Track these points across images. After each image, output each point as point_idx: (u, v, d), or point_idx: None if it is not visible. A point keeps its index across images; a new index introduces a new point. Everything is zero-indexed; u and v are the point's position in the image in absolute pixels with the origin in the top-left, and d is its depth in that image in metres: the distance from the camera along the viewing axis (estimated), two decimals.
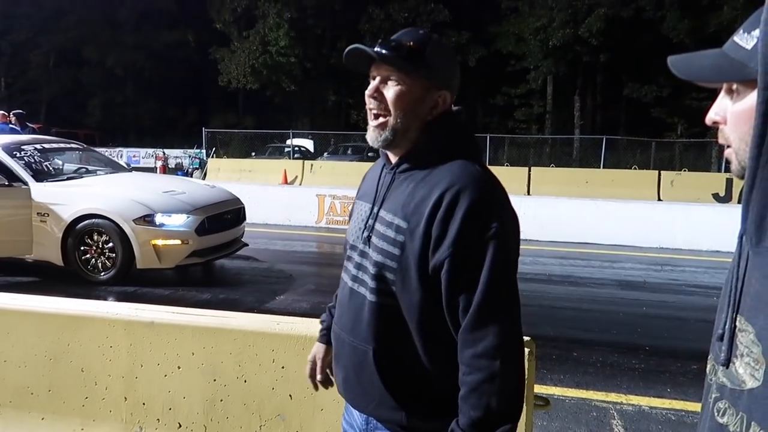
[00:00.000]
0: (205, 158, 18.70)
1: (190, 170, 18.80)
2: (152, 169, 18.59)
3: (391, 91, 1.29)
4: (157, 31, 31.11)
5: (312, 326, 2.25)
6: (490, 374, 1.17)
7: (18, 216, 5.76)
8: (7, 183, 5.80)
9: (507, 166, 17.67)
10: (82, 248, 5.71)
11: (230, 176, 14.89)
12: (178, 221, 5.70)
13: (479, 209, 1.20)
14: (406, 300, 1.26)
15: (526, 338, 2.04)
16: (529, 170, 15.23)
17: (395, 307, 1.27)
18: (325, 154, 21.93)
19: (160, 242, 5.60)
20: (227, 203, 6.47)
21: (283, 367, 2.21)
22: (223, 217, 6.24)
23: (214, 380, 2.28)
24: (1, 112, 10.94)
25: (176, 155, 21.84)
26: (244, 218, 6.73)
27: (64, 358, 2.43)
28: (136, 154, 23.84)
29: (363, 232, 1.35)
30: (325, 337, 1.65)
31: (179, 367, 2.31)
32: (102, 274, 5.73)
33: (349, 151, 21.27)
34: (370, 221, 1.33)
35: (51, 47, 30.62)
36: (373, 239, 1.30)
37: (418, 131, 1.30)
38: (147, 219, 5.60)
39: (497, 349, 1.18)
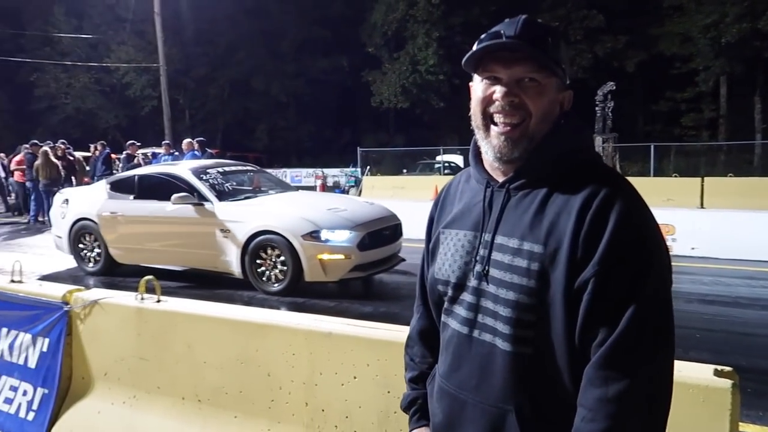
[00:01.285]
0: (360, 176, 19.56)
1: (346, 188, 19.76)
2: (312, 188, 19.85)
3: (531, 91, 1.09)
4: (314, 59, 33.29)
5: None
6: (618, 426, 0.92)
7: (206, 232, 6.46)
8: (198, 202, 6.54)
9: (675, 176, 16.23)
10: (257, 261, 6.23)
11: (384, 193, 15.38)
12: (342, 237, 5.99)
13: (634, 218, 0.99)
14: (552, 344, 1.02)
15: (725, 368, 1.84)
16: (702, 181, 13.84)
17: (538, 355, 1.04)
18: None
19: (325, 257, 5.93)
20: (386, 219, 6.68)
21: None
22: (383, 233, 6.45)
23: (388, 392, 2.34)
24: (188, 140, 12.42)
25: (333, 174, 23.12)
26: (401, 234, 6.91)
27: (253, 363, 2.65)
28: (298, 174, 25.65)
29: (474, 266, 1.12)
30: (424, 418, 1.33)
31: (355, 377, 2.41)
32: (275, 285, 6.18)
33: None
34: (482, 251, 1.11)
35: (225, 80, 34.12)
36: (495, 273, 1.08)
37: (543, 137, 1.10)
38: (314, 235, 5.96)
39: (640, 397, 0.93)
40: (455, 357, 1.16)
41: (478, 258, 1.12)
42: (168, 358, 2.90)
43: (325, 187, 20.74)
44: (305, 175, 25.30)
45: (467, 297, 1.13)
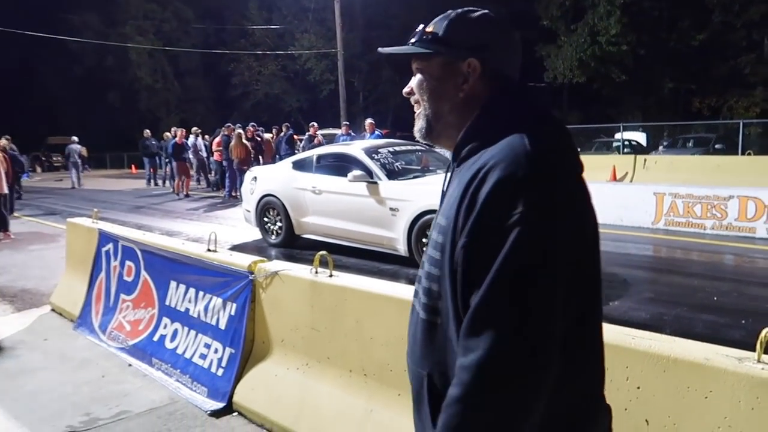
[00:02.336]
0: None
1: None
2: None
3: (415, 80, 1.22)
4: None
5: (675, 346, 1.96)
6: (463, 394, 0.93)
7: (376, 209, 6.65)
8: (370, 180, 6.76)
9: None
10: (423, 240, 6.27)
11: None
12: None
13: (504, 188, 0.94)
14: (448, 313, 1.03)
15: None
16: None
17: (443, 324, 1.06)
18: (661, 147, 19.85)
19: None
20: None
21: (638, 388, 1.97)
22: None
23: None
24: (370, 121, 12.93)
25: None
26: None
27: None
28: None
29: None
30: None
31: None
32: None
33: (689, 144, 18.83)
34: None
35: None
36: (428, 247, 1.14)
37: (454, 114, 1.16)
38: None
39: (480, 368, 0.91)
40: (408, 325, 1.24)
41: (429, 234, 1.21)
42: (338, 330, 3.00)
43: None
44: None
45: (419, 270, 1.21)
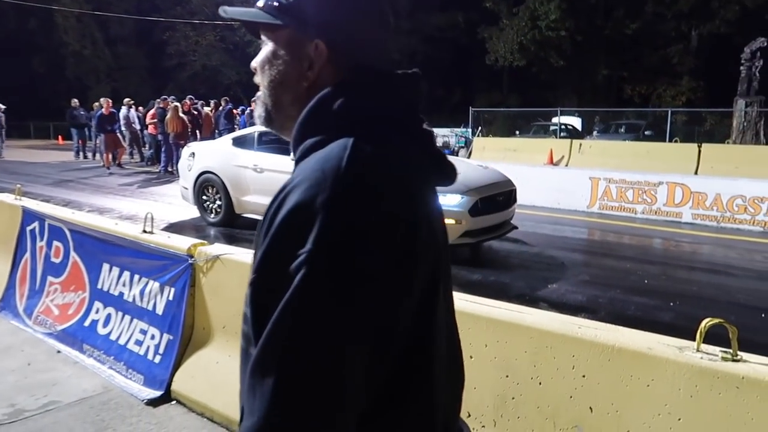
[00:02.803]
0: (470, 137, 19.13)
1: (456, 149, 19.42)
2: None
3: (261, 54, 0.96)
4: (430, 15, 32.61)
5: (619, 335, 2.01)
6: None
7: None
8: None
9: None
10: None
11: (495, 155, 14.91)
12: (453, 201, 5.82)
13: (295, 217, 0.74)
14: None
15: None
16: None
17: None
18: (595, 132, 20.57)
19: None
20: (500, 185, 6.42)
21: (584, 376, 2.02)
22: (496, 199, 6.21)
23: (507, 376, 2.20)
24: None
25: (444, 134, 22.76)
26: (515, 200, 6.61)
27: None
28: None
29: None
30: None
31: (471, 357, 2.28)
32: None
33: (622, 129, 19.60)
34: None
35: None
36: None
37: (296, 106, 0.91)
38: None
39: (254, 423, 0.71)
40: None
41: None
42: None
43: None
44: None
45: None
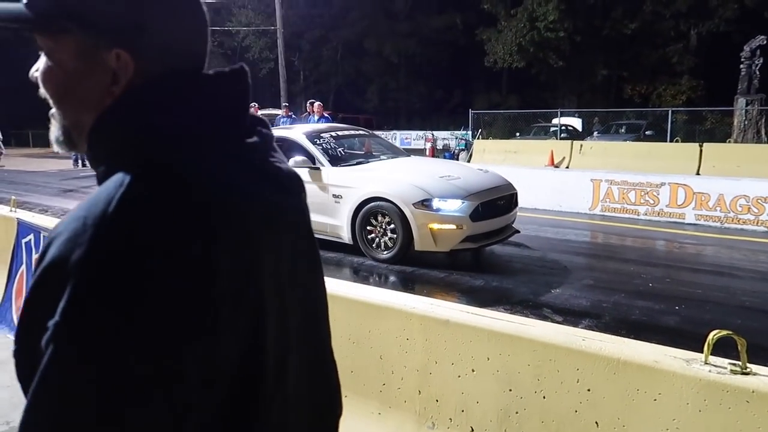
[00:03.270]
0: (470, 139, 19.09)
1: (456, 151, 19.38)
2: (422, 151, 19.67)
3: (40, 64, 0.75)
4: (428, 17, 32.63)
5: (625, 347, 1.96)
6: None
7: (319, 196, 6.50)
8: (313, 166, 6.59)
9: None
10: (367, 228, 6.19)
11: (495, 158, 14.85)
12: (454, 206, 5.77)
13: (49, 278, 0.62)
14: None
15: None
16: None
17: None
18: (595, 133, 20.51)
19: (436, 226, 5.73)
20: (500, 189, 6.36)
21: (588, 390, 1.96)
22: (497, 203, 6.16)
23: (510, 390, 2.15)
24: (319, 103, 12.65)
25: (444, 137, 22.76)
26: (516, 204, 6.57)
27: (365, 344, 2.55)
28: (408, 136, 25.53)
29: None
30: None
31: (473, 370, 2.23)
32: (384, 252, 6.10)
33: (622, 130, 19.53)
34: None
35: (338, 41, 34.45)
36: None
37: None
38: (425, 203, 5.77)
39: None
40: None
41: None
42: None
43: (434, 150, 20.47)
44: (415, 137, 25.13)
45: None
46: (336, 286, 2.75)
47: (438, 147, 21.31)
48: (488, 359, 2.19)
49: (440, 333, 2.31)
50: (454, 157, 17.39)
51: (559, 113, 20.39)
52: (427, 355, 2.35)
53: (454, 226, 5.75)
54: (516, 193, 6.57)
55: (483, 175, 6.67)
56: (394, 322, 2.45)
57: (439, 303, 2.44)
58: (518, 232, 6.60)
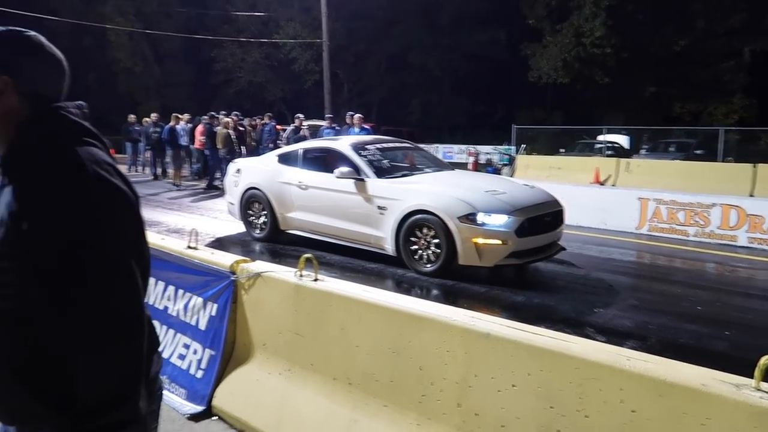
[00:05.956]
0: (514, 154, 18.96)
1: (499, 166, 19.24)
2: (464, 165, 19.58)
3: None
4: (472, 32, 32.59)
5: (671, 369, 1.91)
6: None
7: (364, 207, 6.55)
8: (358, 177, 6.65)
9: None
10: (411, 240, 6.16)
11: (539, 174, 14.69)
12: (499, 221, 5.72)
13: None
14: None
15: None
16: None
17: None
18: (642, 150, 20.07)
19: (480, 241, 5.69)
20: (547, 205, 6.29)
21: (633, 411, 1.93)
22: (543, 219, 6.08)
23: (551, 407, 2.13)
24: (359, 115, 12.85)
25: (486, 151, 22.60)
26: (562, 221, 6.47)
27: (405, 354, 2.57)
28: (450, 150, 25.46)
29: None
30: None
31: (514, 386, 2.22)
32: (427, 265, 6.07)
33: (671, 148, 19.04)
34: None
35: (383, 54, 34.73)
36: None
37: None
38: (470, 217, 5.74)
39: None
40: None
41: None
42: (322, 336, 2.92)
43: (477, 165, 20.35)
44: (457, 151, 25.05)
45: None
46: (377, 296, 2.78)
47: (481, 161, 21.18)
48: (529, 375, 2.18)
49: (481, 346, 2.31)
50: (496, 172, 17.25)
51: (604, 130, 20.03)
52: (467, 367, 2.35)
53: (499, 242, 5.70)
54: (562, 210, 6.48)
55: (529, 190, 6.60)
56: (435, 333, 2.46)
57: (480, 316, 2.44)
58: (564, 249, 6.51)
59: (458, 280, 5.91)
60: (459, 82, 34.56)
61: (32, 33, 1.30)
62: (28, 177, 1.15)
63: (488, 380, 2.29)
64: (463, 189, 6.28)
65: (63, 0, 35.52)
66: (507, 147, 20.76)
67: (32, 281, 1.13)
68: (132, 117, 19.22)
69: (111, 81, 37.31)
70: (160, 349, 3.70)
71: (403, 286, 5.91)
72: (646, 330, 4.61)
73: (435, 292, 5.73)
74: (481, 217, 5.74)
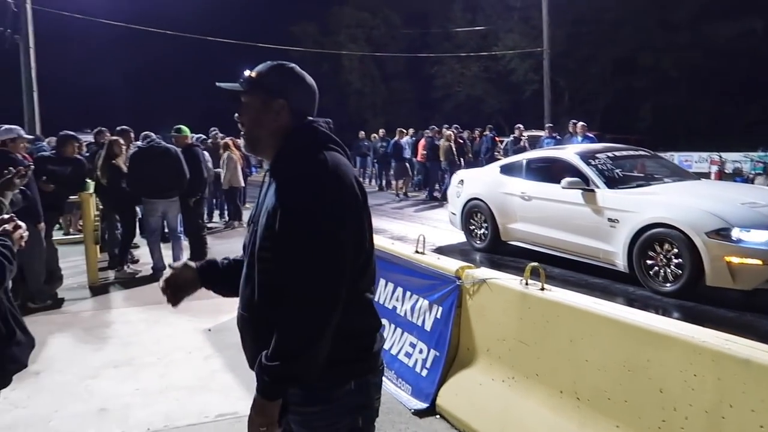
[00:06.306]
0: None
1: (751, 176, 16.74)
2: (705, 175, 17.42)
3: (242, 109, 1.61)
4: (716, 26, 28.91)
5: None
6: None
7: (592, 219, 6.22)
8: (587, 188, 6.35)
9: None
10: (648, 255, 5.68)
11: None
12: (761, 238, 4.98)
13: (291, 193, 1.45)
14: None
15: None
16: None
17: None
18: None
19: (735, 260, 5.01)
20: None
21: None
22: None
23: None
24: (582, 123, 12.35)
25: (734, 159, 19.79)
26: None
27: (643, 373, 2.38)
28: (688, 158, 22.77)
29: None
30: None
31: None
32: (666, 285, 5.54)
33: None
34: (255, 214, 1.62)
35: (608, 58, 32.65)
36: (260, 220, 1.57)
37: (270, 138, 1.58)
38: (722, 233, 5.10)
39: None
40: None
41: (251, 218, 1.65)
42: (548, 347, 2.86)
43: (722, 174, 17.93)
44: (696, 159, 22.29)
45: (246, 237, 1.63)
46: (610, 309, 2.63)
47: (727, 171, 18.59)
48: None
49: (738, 373, 2.05)
50: (747, 182, 15.03)
51: None
52: (719, 396, 2.10)
53: (760, 262, 4.94)
54: None
55: None
56: (679, 354, 2.24)
57: (737, 340, 2.16)
58: None
59: (698, 302, 5.29)
60: (700, 81, 30.84)
61: (293, 65, 1.63)
62: (290, 173, 1.47)
63: (747, 413, 2.01)
64: (713, 200, 5.62)
65: (306, 32, 40.38)
66: (763, 153, 17.92)
67: (283, 255, 1.40)
68: (362, 133, 21.00)
69: (343, 101, 41.20)
70: (387, 346, 3.96)
71: (635, 305, 5.43)
72: None
73: (672, 312, 5.20)
74: (736, 233, 5.05)
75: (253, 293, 1.48)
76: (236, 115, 1.62)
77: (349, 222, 1.43)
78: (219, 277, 1.76)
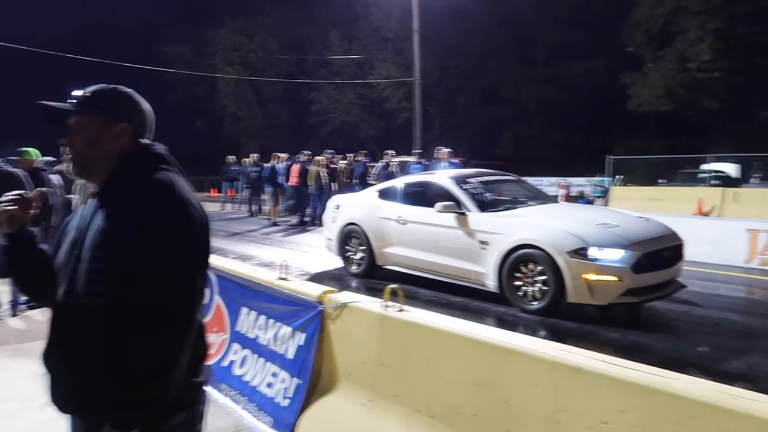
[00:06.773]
0: (607, 186, 18.19)
1: (591, 198, 18.53)
2: (554, 198, 19.04)
3: (73, 131, 1.56)
4: (567, 63, 32.00)
5: None
6: None
7: (465, 242, 6.36)
8: (460, 211, 6.50)
9: None
10: (516, 276, 5.89)
11: (635, 205, 13.88)
12: (614, 256, 5.35)
13: (138, 215, 1.44)
14: None
15: None
16: None
17: None
18: (753, 179, 18.61)
19: (592, 277, 5.34)
20: (666, 238, 5.86)
21: None
22: (662, 254, 5.64)
23: None
24: (448, 150, 12.92)
25: (578, 183, 21.85)
26: (681, 256, 5.98)
27: (490, 387, 2.49)
28: (540, 183, 24.75)
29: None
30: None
31: (605, 423, 2.09)
32: (533, 303, 5.76)
33: None
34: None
35: (475, 90, 34.86)
36: None
37: (106, 162, 1.56)
38: (581, 252, 5.40)
39: None
40: None
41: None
42: (406, 367, 2.90)
43: (568, 197, 19.72)
44: (547, 184, 24.28)
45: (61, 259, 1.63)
46: (463, 327, 2.73)
47: (572, 194, 20.48)
48: (623, 412, 2.04)
49: (571, 381, 2.20)
50: (589, 203, 16.60)
51: (707, 158, 18.82)
52: (555, 403, 2.25)
53: (614, 278, 5.32)
54: (682, 244, 6.02)
55: (645, 223, 6.20)
56: (523, 366, 2.37)
57: (570, 349, 2.33)
58: (684, 287, 5.99)
59: (567, 319, 5.57)
60: (553, 114, 33.85)
61: (130, 89, 1.68)
62: (136, 196, 1.46)
63: (578, 416, 2.17)
64: (572, 222, 5.95)
65: (180, 54, 38.88)
66: (601, 179, 19.98)
67: (117, 278, 1.37)
68: (231, 158, 20.39)
69: (218, 125, 40.00)
70: (249, 378, 3.80)
71: (504, 325, 5.59)
72: (758, 371, 4.20)
73: (539, 329, 5.45)
74: (593, 252, 5.38)
75: (81, 322, 1.43)
76: (64, 138, 1.58)
77: (199, 242, 1.48)
78: (35, 252, 1.66)
